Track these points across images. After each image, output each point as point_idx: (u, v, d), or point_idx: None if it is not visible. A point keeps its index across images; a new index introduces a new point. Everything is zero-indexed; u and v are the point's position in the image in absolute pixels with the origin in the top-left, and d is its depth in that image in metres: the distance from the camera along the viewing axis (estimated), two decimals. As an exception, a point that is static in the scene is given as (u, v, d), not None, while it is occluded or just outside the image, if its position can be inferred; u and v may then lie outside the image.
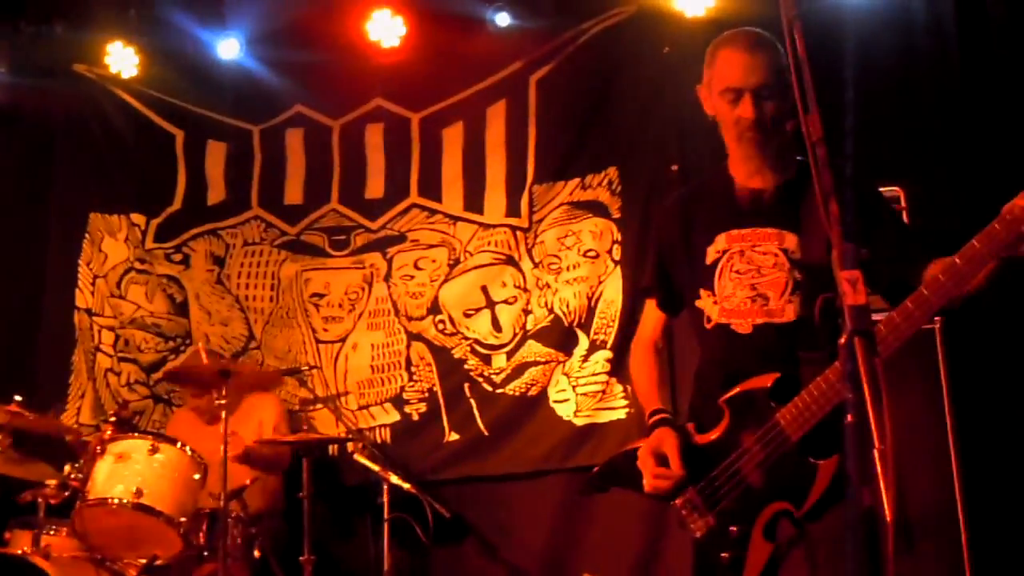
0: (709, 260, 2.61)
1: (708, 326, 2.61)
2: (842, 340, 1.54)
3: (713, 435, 2.52)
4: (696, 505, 2.53)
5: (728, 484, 2.48)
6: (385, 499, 4.47)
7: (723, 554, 2.45)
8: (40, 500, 4.00)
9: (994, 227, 2.14)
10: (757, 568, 2.40)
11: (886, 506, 1.37)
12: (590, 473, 2.82)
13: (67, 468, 4.03)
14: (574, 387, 5.00)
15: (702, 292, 2.62)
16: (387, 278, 5.35)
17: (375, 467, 4.50)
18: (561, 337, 5.05)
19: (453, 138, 5.38)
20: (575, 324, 5.03)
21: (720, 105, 2.56)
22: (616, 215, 5.07)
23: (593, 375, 4.96)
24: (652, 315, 2.88)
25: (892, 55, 4.65)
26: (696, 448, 2.56)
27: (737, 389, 2.49)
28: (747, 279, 2.54)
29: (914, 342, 3.68)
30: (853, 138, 3.67)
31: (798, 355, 2.41)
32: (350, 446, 4.91)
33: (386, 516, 4.46)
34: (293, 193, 5.55)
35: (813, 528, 2.37)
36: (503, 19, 5.22)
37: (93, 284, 5.60)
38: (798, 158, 2.59)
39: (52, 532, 4.12)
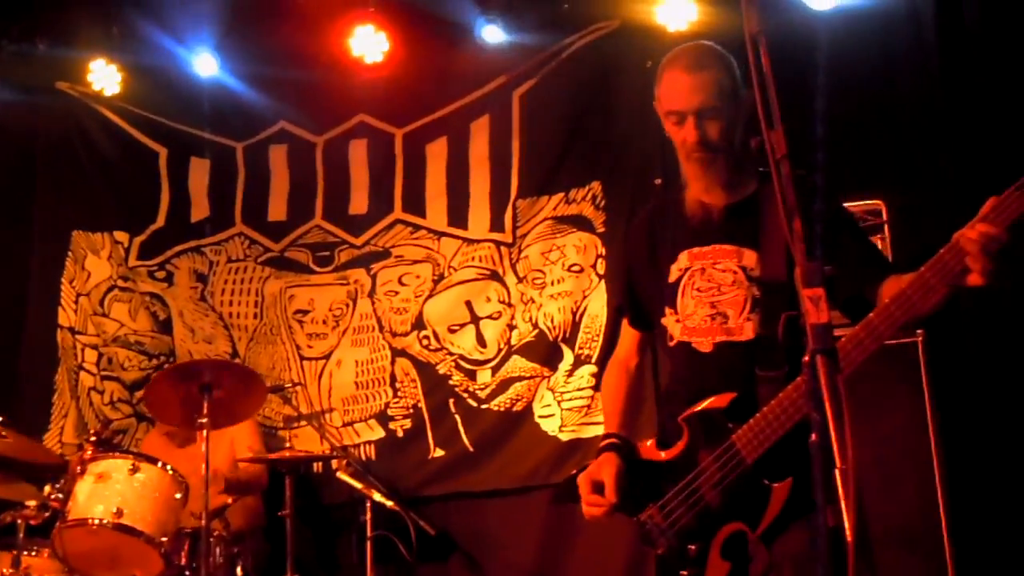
0: (672, 278, 2.61)
1: (671, 344, 2.61)
2: (805, 359, 1.53)
3: (673, 452, 2.54)
4: (657, 522, 2.54)
5: (686, 503, 2.48)
6: (368, 517, 4.44)
7: (683, 572, 2.46)
8: (20, 521, 3.97)
9: (943, 255, 2.13)
10: None
11: (847, 526, 1.36)
12: (556, 486, 2.83)
13: (47, 488, 4.00)
14: (559, 402, 4.98)
15: (666, 310, 2.62)
16: (371, 294, 5.34)
17: (358, 484, 4.47)
18: (546, 352, 5.04)
19: (437, 153, 5.38)
20: (560, 339, 5.02)
21: (668, 127, 2.56)
22: (600, 229, 5.06)
23: (578, 390, 4.95)
24: (627, 333, 2.87)
25: (872, 67, 4.66)
26: (658, 465, 2.57)
27: (695, 408, 2.49)
28: (707, 297, 2.53)
29: (897, 354, 3.71)
30: (825, 150, 3.67)
31: (756, 374, 2.41)
32: (334, 463, 4.88)
33: (369, 534, 4.43)
34: (277, 209, 5.54)
35: (773, 549, 2.36)
36: (489, 33, 5.22)
37: (76, 302, 5.58)
38: (760, 169, 2.57)
39: (33, 553, 4.09)
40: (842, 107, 4.44)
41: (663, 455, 2.57)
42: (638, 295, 2.77)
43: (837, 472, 1.39)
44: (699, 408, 2.48)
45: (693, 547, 2.46)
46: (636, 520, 2.58)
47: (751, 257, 2.49)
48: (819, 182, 2.35)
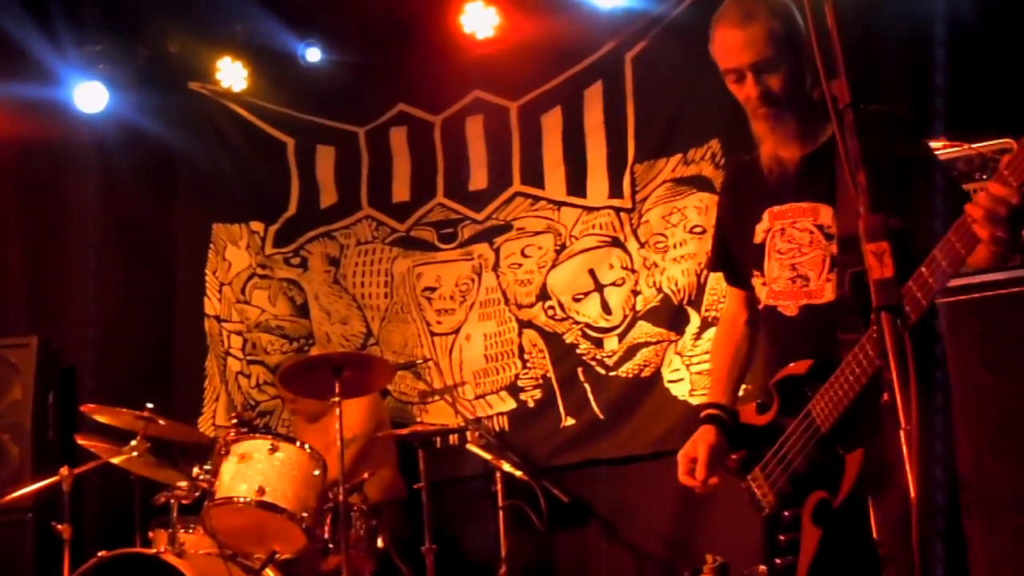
0: (758, 239, 2.54)
1: (760, 307, 2.57)
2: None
3: (768, 417, 2.52)
4: (760, 484, 2.53)
5: (779, 467, 2.46)
6: (499, 487, 4.51)
7: (780, 536, 2.45)
8: (173, 501, 4.21)
9: (960, 224, 1.93)
10: (809, 552, 2.36)
11: (911, 487, 1.31)
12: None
13: (196, 470, 4.23)
14: (688, 366, 4.93)
15: (754, 272, 2.56)
16: (495, 267, 5.40)
17: (488, 456, 4.55)
18: (672, 316, 4.99)
19: (552, 123, 5.38)
20: (685, 302, 4.97)
21: (729, 86, 2.47)
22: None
23: (707, 352, 4.87)
24: (730, 291, 2.81)
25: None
26: (757, 429, 2.55)
27: (780, 374, 2.46)
28: (788, 259, 2.47)
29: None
30: (945, 94, 3.46)
31: (838, 337, 2.31)
32: (467, 435, 4.98)
33: (500, 504, 4.51)
34: (400, 190, 5.65)
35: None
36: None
37: (220, 291, 5.85)
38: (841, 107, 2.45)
39: (190, 530, 4.34)
40: (957, 39, 4.18)
41: (761, 419, 2.54)
42: (732, 255, 2.71)
43: (902, 433, 1.34)
44: (784, 374, 2.45)
45: (788, 513, 2.44)
46: (743, 483, 2.59)
47: (827, 213, 2.39)
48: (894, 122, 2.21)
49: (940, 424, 2.02)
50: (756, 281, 2.57)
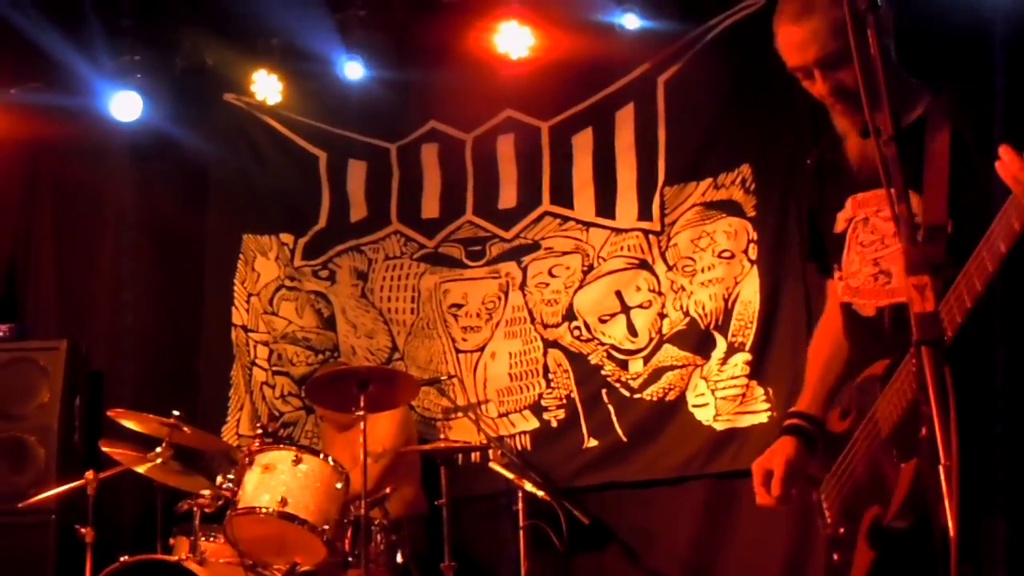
0: (839, 228, 2.37)
1: (839, 303, 2.40)
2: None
3: (846, 423, 2.33)
4: (827, 496, 2.36)
5: (842, 478, 2.29)
6: (520, 506, 4.51)
7: (834, 555, 2.29)
8: (196, 509, 4.23)
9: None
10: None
11: (950, 524, 1.29)
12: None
13: (219, 478, 4.24)
14: (713, 391, 4.92)
15: (835, 266, 2.40)
16: (523, 286, 5.41)
17: (509, 475, 4.55)
18: (698, 340, 4.98)
19: (583, 144, 5.40)
20: (712, 327, 4.96)
21: (803, 83, 2.33)
22: (751, 213, 4.96)
23: (732, 378, 4.87)
24: (832, 285, 2.53)
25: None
26: (835, 436, 2.36)
27: (861, 376, 2.28)
28: (870, 252, 2.28)
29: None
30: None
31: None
32: (489, 453, 4.98)
33: (521, 523, 4.50)
34: (430, 207, 5.68)
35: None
36: (630, 21, 5.17)
37: (248, 302, 5.88)
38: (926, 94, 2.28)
39: (212, 539, 4.35)
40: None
41: (841, 426, 2.36)
42: (823, 243, 2.49)
43: (941, 468, 1.32)
44: (865, 376, 2.27)
45: (843, 529, 2.27)
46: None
47: (913, 200, 2.10)
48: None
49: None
50: (836, 275, 2.41)
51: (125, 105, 5.77)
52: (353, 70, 5.64)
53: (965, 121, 2.17)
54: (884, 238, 2.27)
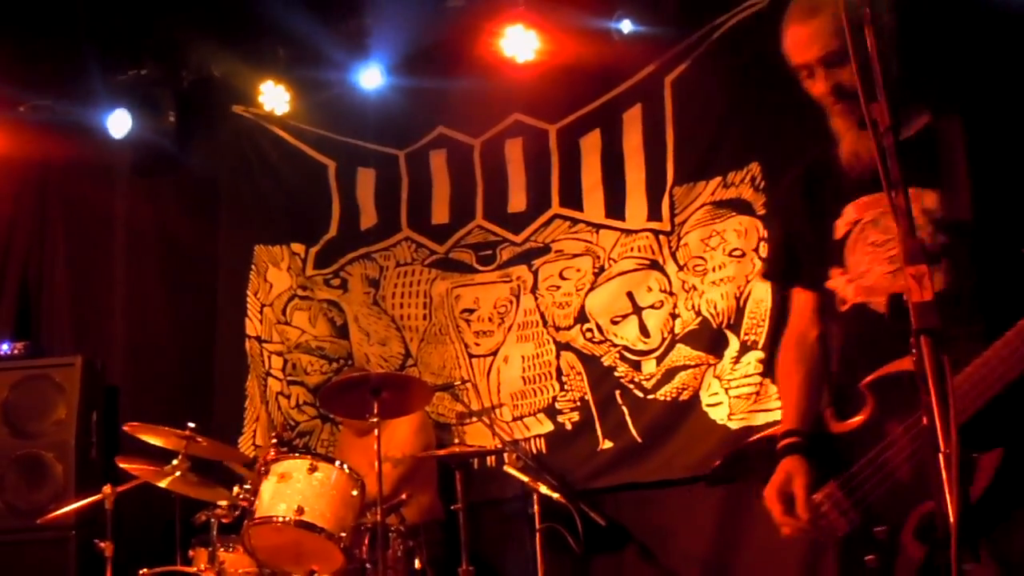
0: (839, 234, 2.37)
1: (843, 308, 2.39)
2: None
3: (855, 422, 2.30)
4: (838, 500, 2.31)
5: (873, 479, 2.25)
6: (536, 509, 4.51)
7: (868, 557, 2.24)
8: (213, 520, 4.24)
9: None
10: (908, 574, 2.16)
11: (949, 512, 1.28)
12: (713, 465, 2.62)
13: (236, 489, 4.26)
14: (727, 389, 4.90)
15: (832, 272, 2.40)
16: (534, 290, 5.41)
17: (525, 478, 4.55)
18: (710, 339, 4.97)
19: (591, 146, 5.40)
20: (724, 325, 4.94)
21: (804, 83, 2.38)
22: (761, 211, 4.94)
23: (746, 376, 4.86)
24: (799, 301, 2.58)
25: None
26: (836, 438, 2.34)
27: (881, 372, 2.23)
28: (885, 251, 2.29)
29: None
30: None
31: (947, 332, 2.01)
32: (504, 457, 4.98)
33: (537, 526, 4.50)
34: (440, 213, 5.69)
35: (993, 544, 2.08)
36: (626, 27, 5.18)
37: (261, 312, 5.91)
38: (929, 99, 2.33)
39: (230, 549, 4.36)
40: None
41: (838, 427, 2.35)
42: (799, 257, 2.53)
43: (940, 456, 1.31)
44: (886, 371, 2.22)
45: (881, 529, 2.22)
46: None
47: (931, 197, 2.20)
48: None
49: None
50: (838, 280, 2.40)
51: (118, 122, 5.76)
52: (361, 78, 5.65)
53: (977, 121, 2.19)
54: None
